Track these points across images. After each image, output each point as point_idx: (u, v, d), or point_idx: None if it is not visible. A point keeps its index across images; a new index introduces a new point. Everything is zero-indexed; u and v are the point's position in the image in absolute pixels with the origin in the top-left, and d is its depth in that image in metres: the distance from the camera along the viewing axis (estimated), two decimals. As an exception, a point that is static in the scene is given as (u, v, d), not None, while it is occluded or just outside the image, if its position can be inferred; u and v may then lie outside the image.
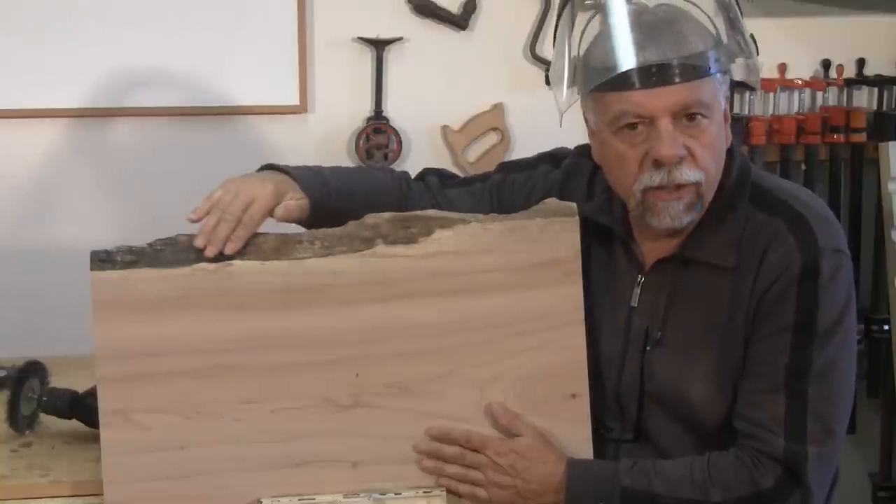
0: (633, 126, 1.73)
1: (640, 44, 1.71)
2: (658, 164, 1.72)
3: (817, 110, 3.02)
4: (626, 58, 1.71)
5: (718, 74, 1.75)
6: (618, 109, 1.73)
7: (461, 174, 2.07)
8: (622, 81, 1.71)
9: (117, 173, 2.82)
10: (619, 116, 1.73)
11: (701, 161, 1.73)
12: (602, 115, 1.76)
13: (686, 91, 1.71)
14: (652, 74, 1.70)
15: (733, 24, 1.77)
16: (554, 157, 2.02)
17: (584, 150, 1.96)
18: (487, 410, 1.80)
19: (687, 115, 1.72)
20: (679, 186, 1.73)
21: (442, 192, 2.02)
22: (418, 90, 2.88)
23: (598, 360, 1.85)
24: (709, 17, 1.77)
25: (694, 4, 1.77)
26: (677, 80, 1.70)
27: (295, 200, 1.86)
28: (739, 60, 1.79)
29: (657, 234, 1.81)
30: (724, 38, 1.76)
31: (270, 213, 1.84)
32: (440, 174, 2.08)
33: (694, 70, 1.71)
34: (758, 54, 1.81)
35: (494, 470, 1.78)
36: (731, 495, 1.74)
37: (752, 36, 1.79)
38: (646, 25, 1.73)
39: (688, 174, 1.73)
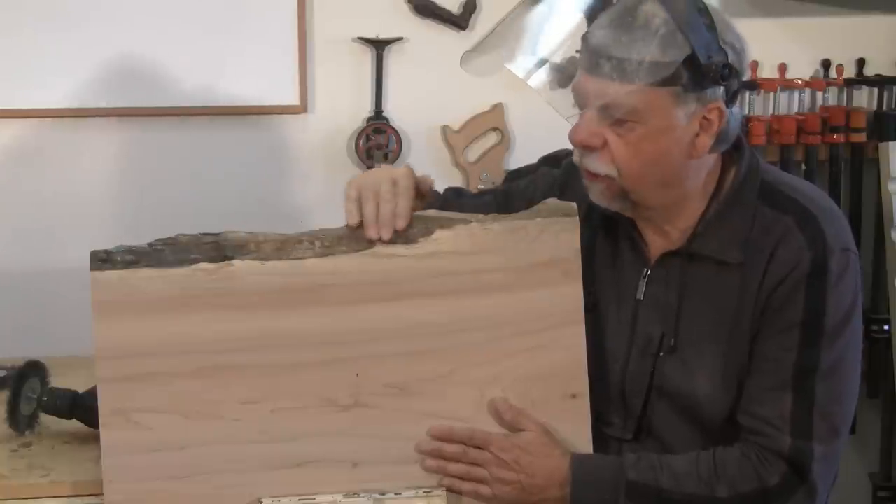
0: (583, 109, 1.74)
1: (592, 32, 1.70)
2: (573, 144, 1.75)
3: (817, 110, 3.02)
4: (581, 40, 1.72)
5: (675, 89, 1.67)
6: (572, 90, 1.74)
7: (462, 175, 2.07)
8: (580, 64, 1.72)
9: (117, 173, 2.82)
10: (572, 97, 1.75)
11: (617, 157, 1.72)
12: None
13: (612, 89, 1.67)
14: (592, 62, 1.69)
15: (715, 33, 1.68)
16: (554, 158, 2.04)
17: None
18: (490, 407, 1.79)
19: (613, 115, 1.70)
20: (589, 173, 1.75)
21: (457, 200, 2.03)
22: (418, 90, 2.88)
23: (604, 353, 1.85)
24: (683, 34, 1.66)
25: (672, 18, 1.66)
26: (613, 76, 1.66)
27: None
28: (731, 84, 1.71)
29: (660, 226, 1.82)
30: (702, 59, 1.66)
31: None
32: (457, 189, 2.12)
33: (625, 73, 1.65)
34: (751, 74, 1.77)
35: (498, 466, 1.77)
36: (737, 491, 1.74)
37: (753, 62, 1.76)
38: (608, 20, 1.69)
39: (595, 165, 1.74)
